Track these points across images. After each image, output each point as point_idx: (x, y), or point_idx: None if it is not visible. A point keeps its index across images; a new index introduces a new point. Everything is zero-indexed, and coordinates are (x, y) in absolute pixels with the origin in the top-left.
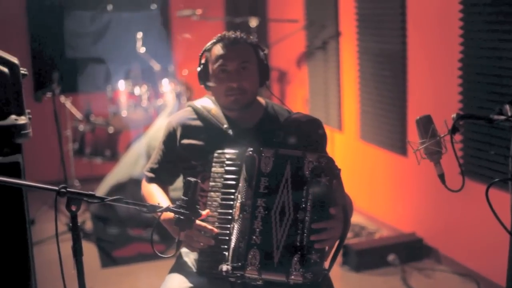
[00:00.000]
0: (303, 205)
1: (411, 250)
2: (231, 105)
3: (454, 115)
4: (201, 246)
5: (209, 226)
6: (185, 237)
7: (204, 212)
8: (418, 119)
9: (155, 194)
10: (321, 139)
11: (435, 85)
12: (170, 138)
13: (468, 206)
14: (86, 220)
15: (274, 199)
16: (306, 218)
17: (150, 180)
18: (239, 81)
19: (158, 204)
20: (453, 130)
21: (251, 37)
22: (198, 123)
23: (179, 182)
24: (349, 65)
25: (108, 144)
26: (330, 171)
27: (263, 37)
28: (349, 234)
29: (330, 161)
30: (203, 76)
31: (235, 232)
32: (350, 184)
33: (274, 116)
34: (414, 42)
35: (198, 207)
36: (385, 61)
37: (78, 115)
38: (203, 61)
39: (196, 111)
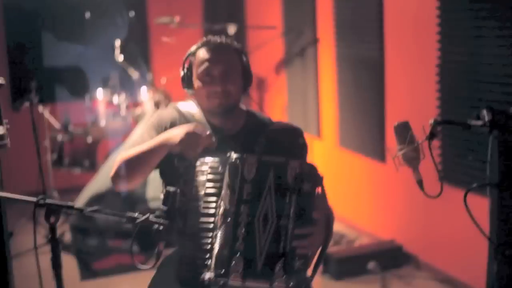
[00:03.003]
0: (286, 212)
1: (391, 258)
2: (215, 109)
3: (431, 121)
4: (201, 146)
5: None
6: (185, 135)
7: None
8: (396, 126)
9: (136, 148)
10: (302, 148)
11: (413, 91)
12: (159, 130)
13: (447, 212)
14: (65, 232)
15: (257, 205)
16: (289, 225)
17: None
18: (224, 84)
19: (137, 215)
20: (431, 136)
21: (235, 42)
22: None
23: (158, 191)
24: (327, 72)
25: (87, 154)
26: (313, 177)
27: (241, 44)
28: None
29: (313, 168)
30: (187, 80)
31: (218, 239)
32: (330, 191)
33: (255, 123)
34: (392, 49)
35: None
36: (363, 68)
37: (56, 124)
38: (186, 65)
39: (181, 114)
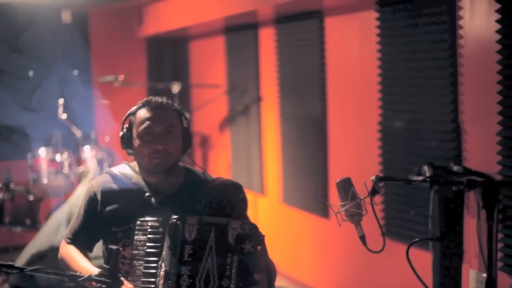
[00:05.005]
0: (228, 272)
1: None
2: (154, 168)
3: (373, 177)
4: None
5: None
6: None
7: (129, 285)
8: (338, 182)
9: (76, 257)
10: (242, 203)
11: (355, 148)
12: (90, 203)
13: (391, 266)
14: None
15: (199, 267)
16: (231, 285)
17: (69, 244)
18: (164, 143)
19: (79, 273)
20: (373, 192)
21: (176, 104)
22: (118, 189)
23: (100, 250)
24: (271, 130)
25: (29, 212)
26: (254, 237)
27: (185, 102)
28: None
29: (254, 227)
30: (126, 140)
31: None
32: (274, 247)
33: (194, 182)
34: (334, 106)
35: (120, 275)
36: (306, 125)
37: None
38: (126, 125)
39: (115, 178)
